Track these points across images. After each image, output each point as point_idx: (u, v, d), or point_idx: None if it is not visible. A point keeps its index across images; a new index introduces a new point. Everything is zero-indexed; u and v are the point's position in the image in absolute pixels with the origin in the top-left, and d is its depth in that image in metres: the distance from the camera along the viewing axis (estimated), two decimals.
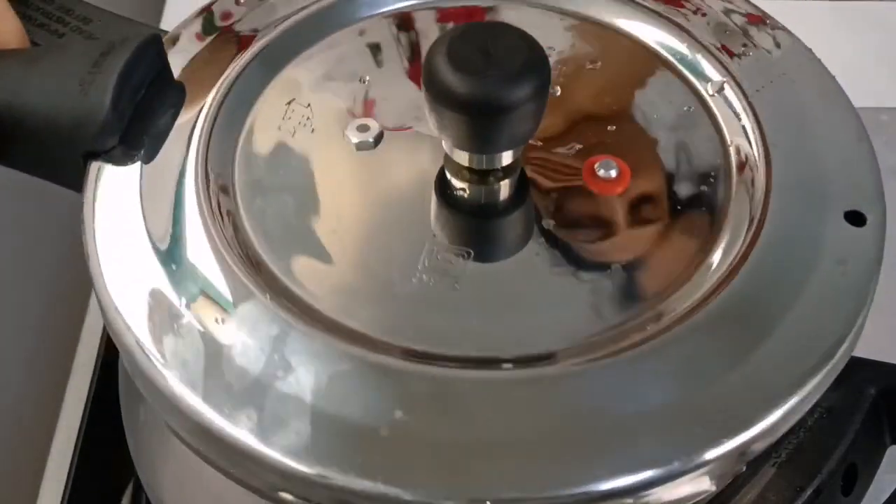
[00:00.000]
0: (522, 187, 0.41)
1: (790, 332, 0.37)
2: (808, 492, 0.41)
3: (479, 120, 0.38)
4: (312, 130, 0.43)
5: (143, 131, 0.43)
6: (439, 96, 0.37)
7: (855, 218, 0.40)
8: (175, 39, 0.46)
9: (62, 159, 0.42)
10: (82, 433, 0.56)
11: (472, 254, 0.39)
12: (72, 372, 0.60)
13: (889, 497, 0.43)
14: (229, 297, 0.37)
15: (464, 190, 0.41)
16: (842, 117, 0.43)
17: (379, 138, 0.42)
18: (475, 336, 0.37)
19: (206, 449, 0.37)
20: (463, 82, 0.37)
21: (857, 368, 0.40)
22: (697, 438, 0.35)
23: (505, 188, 0.41)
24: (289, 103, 0.44)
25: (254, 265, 0.39)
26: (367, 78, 0.44)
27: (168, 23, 0.74)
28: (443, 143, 0.40)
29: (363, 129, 0.42)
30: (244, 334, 0.37)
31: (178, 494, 0.47)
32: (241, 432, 0.35)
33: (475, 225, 0.41)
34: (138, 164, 0.41)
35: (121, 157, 0.42)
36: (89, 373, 0.59)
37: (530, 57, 0.38)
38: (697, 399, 0.35)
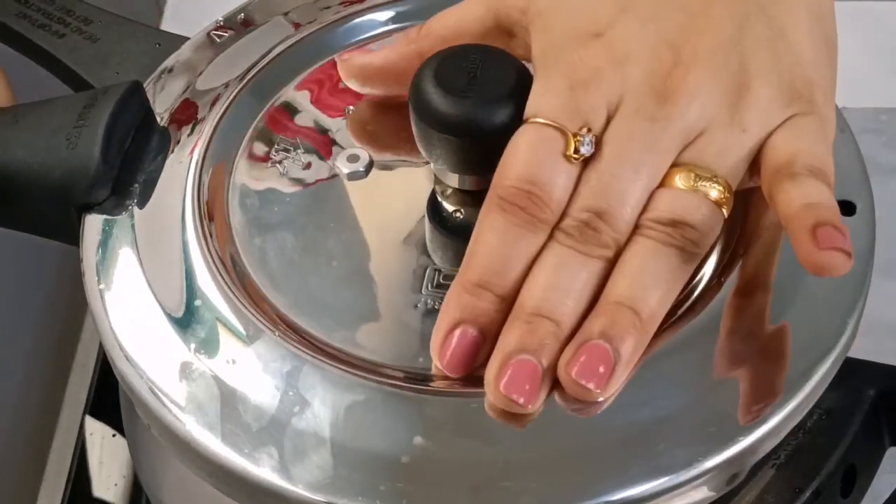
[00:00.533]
0: None
1: (786, 331, 0.37)
2: (807, 493, 0.41)
3: (467, 142, 0.38)
4: (303, 164, 0.43)
5: (134, 179, 0.43)
6: (427, 119, 0.38)
7: (845, 207, 0.40)
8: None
9: (55, 215, 0.42)
10: (82, 434, 0.56)
11: None
12: (72, 372, 0.60)
13: (889, 497, 0.43)
14: (238, 337, 0.38)
15: (458, 212, 0.41)
16: None
17: (370, 167, 0.43)
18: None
19: (229, 489, 0.37)
20: (450, 105, 0.37)
21: (856, 370, 0.40)
22: (711, 441, 0.35)
23: None
24: (278, 138, 0.44)
25: (258, 304, 0.39)
26: (352, 109, 0.44)
27: (168, 23, 0.74)
28: (432, 165, 0.40)
29: (353, 158, 0.43)
30: (257, 373, 0.37)
31: (178, 495, 0.47)
32: (264, 471, 0.35)
33: None
34: (133, 213, 0.41)
35: (114, 207, 0.42)
36: (89, 373, 0.59)
37: (518, 78, 0.38)
38: (706, 403, 0.36)
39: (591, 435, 0.35)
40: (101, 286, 0.40)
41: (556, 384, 0.35)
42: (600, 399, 0.35)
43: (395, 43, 0.42)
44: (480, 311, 0.36)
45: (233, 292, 0.39)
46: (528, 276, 0.36)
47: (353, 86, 0.43)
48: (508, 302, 0.36)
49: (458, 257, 0.40)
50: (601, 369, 0.35)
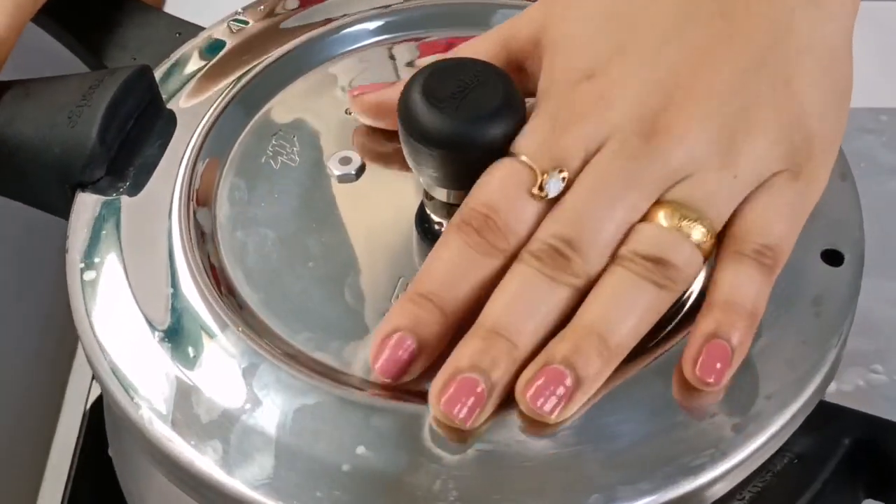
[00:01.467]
0: None
1: (756, 373, 0.36)
2: None
3: (453, 157, 0.38)
4: (296, 163, 0.43)
5: (132, 162, 0.43)
6: (414, 133, 0.38)
7: (832, 257, 0.40)
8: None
9: (52, 190, 0.43)
10: (82, 433, 0.56)
11: None
12: (72, 372, 0.61)
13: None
14: (203, 328, 0.38)
15: (442, 225, 0.41)
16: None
17: (361, 171, 0.43)
18: None
19: (176, 478, 0.37)
20: (437, 119, 0.37)
21: (834, 416, 0.39)
22: (666, 477, 0.35)
23: None
24: (274, 135, 0.44)
25: (228, 297, 0.39)
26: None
27: (169, 6, 0.74)
28: (421, 179, 0.40)
29: (345, 161, 0.43)
30: (215, 366, 0.37)
31: None
32: (207, 463, 0.36)
33: None
34: (124, 196, 0.42)
35: (107, 188, 0.43)
36: (89, 373, 0.59)
37: (506, 95, 0.38)
38: (664, 438, 0.35)
39: (539, 459, 0.35)
40: (82, 265, 0.41)
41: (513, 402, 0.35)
42: (555, 422, 0.35)
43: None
44: (420, 321, 0.36)
45: (204, 283, 0.39)
46: (484, 298, 0.36)
47: (365, 120, 0.43)
48: (451, 318, 0.36)
49: None
50: (559, 392, 0.34)
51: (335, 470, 0.35)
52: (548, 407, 0.34)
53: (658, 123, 0.36)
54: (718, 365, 0.35)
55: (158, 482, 0.42)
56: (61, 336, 0.37)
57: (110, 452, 0.48)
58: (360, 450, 0.35)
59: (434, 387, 0.35)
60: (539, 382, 0.35)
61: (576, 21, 0.39)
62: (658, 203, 0.36)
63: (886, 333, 0.48)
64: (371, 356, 0.36)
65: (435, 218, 0.41)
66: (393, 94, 0.40)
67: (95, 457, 0.49)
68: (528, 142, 0.37)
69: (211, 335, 0.38)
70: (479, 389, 0.34)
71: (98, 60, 0.50)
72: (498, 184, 0.37)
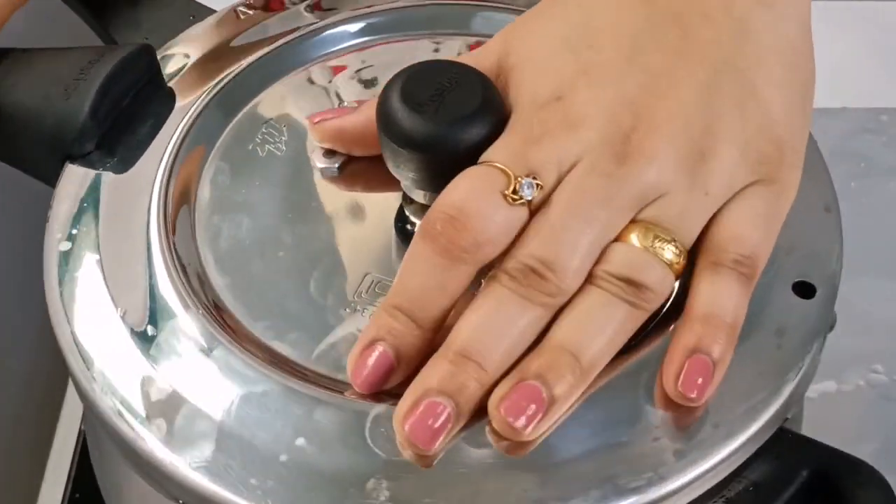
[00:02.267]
0: None
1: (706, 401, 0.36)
2: None
3: (431, 159, 0.38)
4: (282, 152, 0.43)
5: (125, 138, 0.44)
6: (392, 135, 0.37)
7: (803, 289, 0.39)
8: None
9: (44, 159, 0.44)
10: (82, 433, 0.57)
11: None
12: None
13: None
14: (163, 306, 0.39)
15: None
16: (815, 185, 0.42)
17: (344, 166, 0.43)
18: None
19: (124, 455, 0.38)
20: (415, 121, 0.37)
21: (795, 445, 0.38)
22: (599, 498, 0.34)
23: None
24: (265, 123, 0.44)
25: (192, 277, 0.39)
26: (346, 103, 0.45)
27: None
28: (400, 181, 0.40)
29: (329, 154, 0.43)
30: (170, 344, 0.38)
31: None
32: (152, 441, 0.36)
33: None
34: (110, 172, 0.43)
35: (96, 162, 0.43)
36: None
37: (485, 97, 0.38)
38: (603, 457, 0.35)
39: (475, 468, 0.35)
40: (59, 235, 0.41)
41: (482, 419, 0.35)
42: (527, 439, 0.35)
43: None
44: (396, 333, 0.35)
45: (173, 264, 0.39)
46: (457, 311, 0.36)
47: (326, 146, 0.43)
48: (426, 329, 0.36)
49: None
50: (531, 409, 0.34)
51: (273, 459, 0.35)
52: (520, 423, 0.34)
53: (629, 144, 0.36)
54: (700, 380, 0.35)
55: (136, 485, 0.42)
56: None
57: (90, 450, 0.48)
58: (300, 441, 0.35)
59: (399, 409, 0.35)
60: (513, 398, 0.34)
61: (536, 45, 0.38)
62: (631, 223, 0.36)
63: (886, 333, 0.48)
64: (349, 369, 0.36)
65: (414, 220, 0.41)
66: (354, 120, 0.41)
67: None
68: (500, 153, 0.37)
69: (171, 315, 0.38)
70: (445, 414, 0.34)
71: (111, 37, 0.50)
72: (467, 184, 0.36)
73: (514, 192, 0.36)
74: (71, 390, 0.61)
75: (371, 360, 0.35)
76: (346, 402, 0.36)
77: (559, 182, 0.36)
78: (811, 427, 0.43)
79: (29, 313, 0.62)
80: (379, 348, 0.35)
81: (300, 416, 0.36)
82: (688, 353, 0.35)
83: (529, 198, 0.36)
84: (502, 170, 0.36)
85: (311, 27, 0.47)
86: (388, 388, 0.36)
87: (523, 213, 0.36)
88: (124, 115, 0.44)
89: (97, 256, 0.40)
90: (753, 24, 0.38)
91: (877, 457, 0.39)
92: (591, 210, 0.36)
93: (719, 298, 0.36)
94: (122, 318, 0.39)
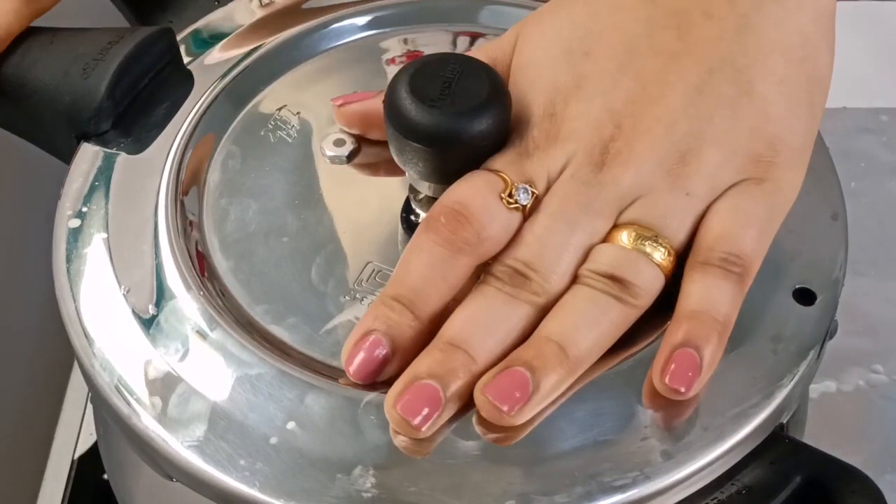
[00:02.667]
0: None
1: (697, 403, 0.36)
2: None
3: (437, 152, 0.38)
4: (292, 139, 0.44)
5: (139, 120, 0.45)
6: (399, 127, 0.38)
7: (804, 296, 0.39)
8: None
9: (58, 134, 0.45)
10: (82, 433, 0.57)
11: None
12: (72, 372, 0.61)
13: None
14: (166, 287, 0.39)
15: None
16: (824, 191, 0.42)
17: (353, 154, 0.43)
18: None
19: (121, 431, 0.38)
20: (422, 114, 0.37)
21: (791, 451, 0.38)
22: (583, 494, 0.35)
23: None
24: (279, 109, 0.45)
25: (199, 260, 0.40)
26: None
27: None
28: (407, 173, 0.40)
29: (339, 143, 0.43)
30: (171, 325, 0.38)
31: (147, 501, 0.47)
32: (146, 418, 0.37)
33: None
34: (123, 152, 0.43)
35: (110, 142, 0.44)
36: None
37: (491, 90, 0.38)
38: (590, 454, 0.35)
39: (462, 459, 0.35)
40: (70, 212, 0.42)
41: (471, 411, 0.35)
42: (511, 424, 0.35)
43: None
44: (393, 323, 0.36)
45: (178, 245, 0.40)
46: (452, 306, 0.36)
47: (350, 130, 0.43)
48: (423, 321, 0.36)
49: None
50: (517, 395, 0.35)
51: (263, 441, 0.36)
52: (506, 406, 0.34)
53: (608, 153, 0.37)
54: (689, 374, 0.35)
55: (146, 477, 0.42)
56: (61, 336, 0.38)
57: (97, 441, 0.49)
58: (291, 425, 0.36)
59: (391, 393, 0.35)
60: (498, 383, 0.35)
61: (540, 49, 0.39)
62: (616, 226, 0.37)
63: (886, 333, 0.48)
64: (343, 357, 0.36)
65: (420, 212, 0.41)
66: (377, 103, 0.41)
67: (95, 457, 0.50)
68: (499, 162, 0.38)
69: (172, 295, 0.39)
70: (435, 397, 0.35)
71: (137, 19, 0.51)
72: (470, 185, 0.38)
73: (511, 195, 0.37)
74: (71, 390, 0.61)
75: (366, 350, 0.36)
76: (338, 389, 0.36)
77: (548, 191, 0.37)
78: (811, 427, 0.44)
79: (29, 313, 0.63)
80: (374, 338, 0.36)
81: (292, 400, 0.36)
82: (675, 347, 0.35)
83: (524, 203, 0.37)
84: (501, 176, 0.37)
85: (329, 17, 0.47)
86: (382, 379, 0.36)
87: (517, 217, 0.37)
88: (142, 96, 0.45)
89: (105, 235, 0.41)
90: (759, 18, 0.38)
91: (877, 457, 0.39)
92: (570, 214, 0.37)
93: (708, 296, 0.36)
94: (125, 295, 0.39)
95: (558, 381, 0.35)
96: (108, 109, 0.44)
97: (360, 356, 0.36)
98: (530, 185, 0.37)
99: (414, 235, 0.37)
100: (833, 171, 0.42)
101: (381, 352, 0.36)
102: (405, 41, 0.47)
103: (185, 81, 0.46)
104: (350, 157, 0.43)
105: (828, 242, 0.41)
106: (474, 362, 0.35)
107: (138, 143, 0.44)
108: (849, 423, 0.51)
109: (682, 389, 0.35)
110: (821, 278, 0.39)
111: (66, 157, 0.44)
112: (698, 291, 0.36)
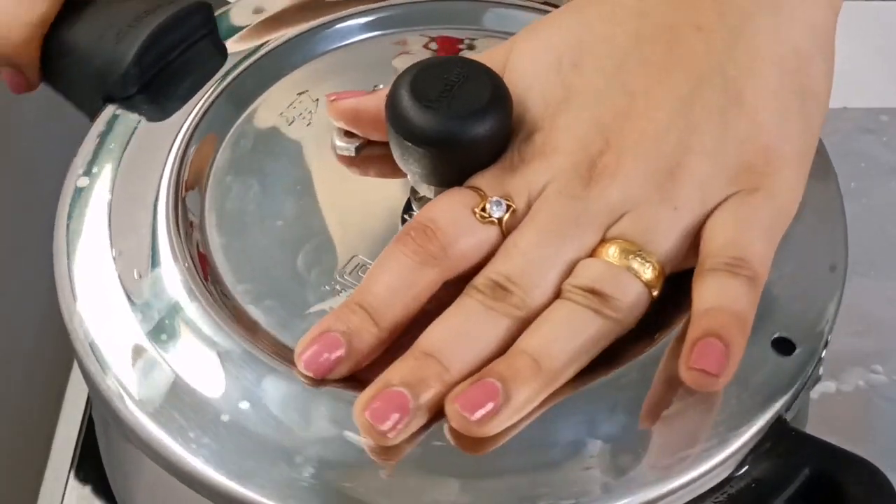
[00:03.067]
0: None
1: (647, 440, 0.36)
2: None
3: (440, 155, 0.38)
4: (308, 125, 0.44)
5: (166, 90, 0.46)
6: (402, 131, 0.38)
7: (782, 345, 0.38)
8: None
9: (86, 93, 0.46)
10: (82, 433, 0.56)
11: None
12: (72, 372, 0.62)
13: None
14: (154, 253, 0.40)
15: None
16: (826, 238, 0.41)
17: (361, 148, 0.43)
18: None
19: (91, 392, 0.39)
20: (423, 116, 0.37)
21: (797, 443, 0.38)
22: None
23: None
24: (300, 94, 0.45)
25: (193, 232, 0.41)
26: (381, 87, 0.45)
27: None
28: (408, 176, 0.41)
29: (349, 136, 0.44)
30: (152, 292, 0.39)
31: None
32: (113, 382, 0.38)
33: None
34: (142, 120, 0.44)
35: (135, 107, 0.45)
36: None
37: (493, 93, 0.38)
38: (529, 476, 0.35)
39: (401, 460, 0.35)
40: (80, 171, 0.43)
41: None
42: (480, 435, 0.35)
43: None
44: (353, 328, 0.36)
45: (174, 214, 0.41)
46: (422, 314, 0.37)
47: (341, 125, 0.43)
48: (383, 329, 0.36)
49: None
50: (487, 405, 0.34)
51: (215, 417, 0.36)
52: (476, 416, 0.34)
53: (596, 167, 0.37)
54: (715, 357, 0.35)
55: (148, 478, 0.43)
56: (61, 336, 0.39)
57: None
58: (244, 405, 0.36)
59: (361, 398, 0.35)
60: (469, 394, 0.35)
61: (533, 61, 0.39)
62: (603, 241, 0.37)
63: (886, 333, 0.48)
64: (298, 349, 0.37)
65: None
66: (369, 102, 0.42)
67: (96, 457, 0.50)
68: (480, 178, 0.38)
69: (158, 263, 0.40)
70: (405, 405, 0.35)
71: None
72: (444, 201, 0.38)
73: (484, 210, 0.37)
74: (71, 390, 0.62)
75: (320, 345, 0.36)
76: (297, 377, 0.37)
77: (530, 205, 0.37)
78: (811, 427, 0.43)
79: (29, 313, 0.63)
80: (332, 337, 0.36)
81: (251, 380, 0.37)
82: (696, 340, 0.35)
83: (498, 216, 0.37)
84: (478, 191, 0.38)
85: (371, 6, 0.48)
86: (332, 377, 0.36)
87: (494, 232, 0.37)
88: (173, 66, 0.46)
89: (109, 197, 0.42)
90: (750, 30, 0.38)
91: (877, 457, 0.38)
92: (557, 229, 0.37)
93: (723, 294, 0.36)
94: (115, 258, 0.40)
95: (531, 394, 0.35)
96: (134, 76, 0.45)
97: (314, 349, 0.36)
98: (507, 200, 0.37)
99: (387, 247, 0.37)
100: (842, 219, 0.41)
101: (336, 353, 0.36)
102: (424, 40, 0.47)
103: (218, 57, 0.47)
104: (358, 151, 0.43)
105: (820, 293, 0.39)
106: (447, 372, 0.35)
107: (160, 112, 0.45)
108: (849, 423, 0.51)
109: (713, 370, 0.34)
110: (805, 329, 0.38)
111: (92, 115, 0.46)
112: (711, 292, 0.36)
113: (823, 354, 0.39)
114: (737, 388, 0.37)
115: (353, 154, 0.43)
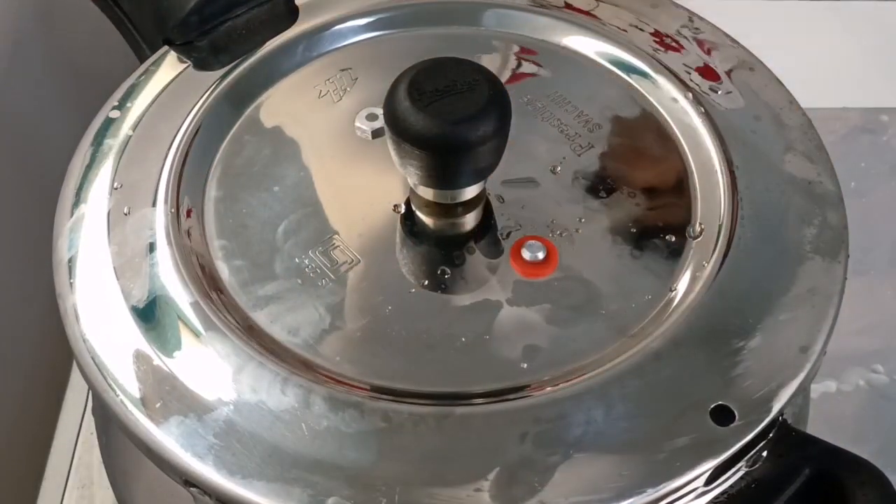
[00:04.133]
0: (488, 217, 0.42)
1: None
2: None
3: (436, 157, 0.38)
4: (336, 102, 0.45)
5: (224, 45, 0.47)
6: (398, 131, 0.38)
7: (721, 414, 0.36)
8: None
9: (147, 31, 0.48)
10: (82, 433, 0.58)
11: (360, 262, 0.40)
12: (72, 372, 0.62)
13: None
14: (144, 190, 0.41)
15: (423, 220, 0.42)
16: (802, 320, 0.39)
17: (378, 133, 0.44)
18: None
19: (76, 358, 0.39)
20: (421, 119, 0.37)
21: (797, 443, 0.37)
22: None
23: (471, 219, 0.42)
24: (342, 70, 0.46)
25: (195, 179, 0.42)
26: None
27: None
28: (407, 178, 0.41)
29: (371, 117, 0.44)
30: (132, 231, 0.41)
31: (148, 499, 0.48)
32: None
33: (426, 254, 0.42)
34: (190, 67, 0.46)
35: (187, 53, 0.46)
36: None
37: (492, 94, 0.38)
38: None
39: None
40: (115, 102, 0.45)
41: None
42: None
43: None
44: None
45: (179, 155, 0.42)
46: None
47: None
48: None
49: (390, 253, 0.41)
50: None
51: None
52: None
53: None
54: None
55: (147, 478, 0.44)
56: (61, 336, 0.40)
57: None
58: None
59: None
60: None
61: None
62: None
63: (886, 333, 0.48)
64: None
65: (419, 215, 0.42)
66: None
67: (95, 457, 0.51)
68: None
69: (145, 203, 0.41)
70: None
71: None
72: None
73: None
74: (71, 390, 0.62)
75: None
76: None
77: None
78: (811, 427, 0.43)
79: (29, 314, 0.63)
80: None
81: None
82: None
83: None
84: None
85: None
86: None
87: None
88: (237, 23, 0.47)
89: (130, 133, 0.44)
90: None
91: (877, 457, 0.38)
92: None
93: None
94: (114, 191, 0.42)
95: None
96: (192, 24, 0.46)
97: None
98: None
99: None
100: (839, 294, 0.39)
101: None
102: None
103: (287, 18, 0.48)
104: (374, 135, 0.44)
105: (785, 372, 0.38)
106: None
107: (207, 64, 0.46)
108: (849, 423, 0.51)
109: None
110: (751, 401, 0.37)
111: (144, 53, 0.48)
112: None
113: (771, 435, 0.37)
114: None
115: (369, 138, 0.44)
